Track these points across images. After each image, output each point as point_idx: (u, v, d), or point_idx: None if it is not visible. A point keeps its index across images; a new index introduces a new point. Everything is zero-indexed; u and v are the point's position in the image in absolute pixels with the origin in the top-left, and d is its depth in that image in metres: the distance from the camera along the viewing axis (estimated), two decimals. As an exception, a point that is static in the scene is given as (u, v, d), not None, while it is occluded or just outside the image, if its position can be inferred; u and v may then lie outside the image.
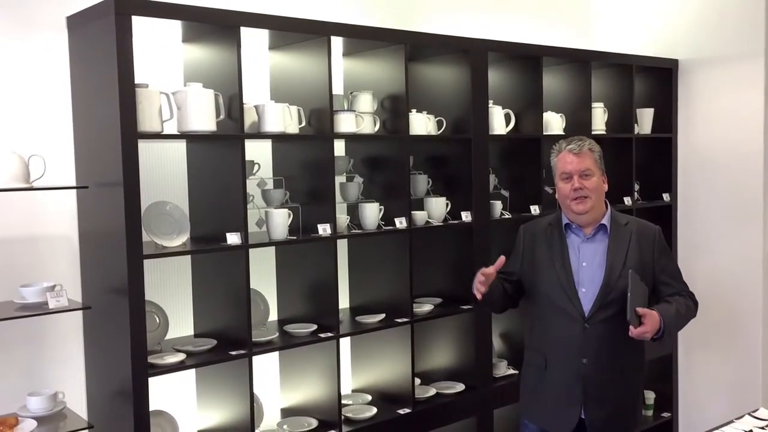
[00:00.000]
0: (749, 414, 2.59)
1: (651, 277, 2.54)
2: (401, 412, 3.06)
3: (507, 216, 3.44)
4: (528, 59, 3.50)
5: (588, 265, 2.53)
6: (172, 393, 2.79)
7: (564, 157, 2.55)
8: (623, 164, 3.94)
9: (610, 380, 2.51)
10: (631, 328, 2.34)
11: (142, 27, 2.46)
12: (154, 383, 2.47)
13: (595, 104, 3.78)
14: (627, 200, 3.91)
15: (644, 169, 4.10)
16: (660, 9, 4.21)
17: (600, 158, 2.58)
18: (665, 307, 2.46)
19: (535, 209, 3.50)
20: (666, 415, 4.20)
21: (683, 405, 4.23)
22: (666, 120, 4.15)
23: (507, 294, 2.66)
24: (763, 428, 2.44)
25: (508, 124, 3.45)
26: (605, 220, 2.57)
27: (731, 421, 2.55)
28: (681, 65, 4.14)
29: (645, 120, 4.08)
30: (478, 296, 2.49)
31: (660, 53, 4.13)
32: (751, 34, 3.86)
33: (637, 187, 4.02)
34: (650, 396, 4.18)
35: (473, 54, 3.23)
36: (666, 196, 4.15)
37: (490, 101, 3.36)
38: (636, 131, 4.00)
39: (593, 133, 3.75)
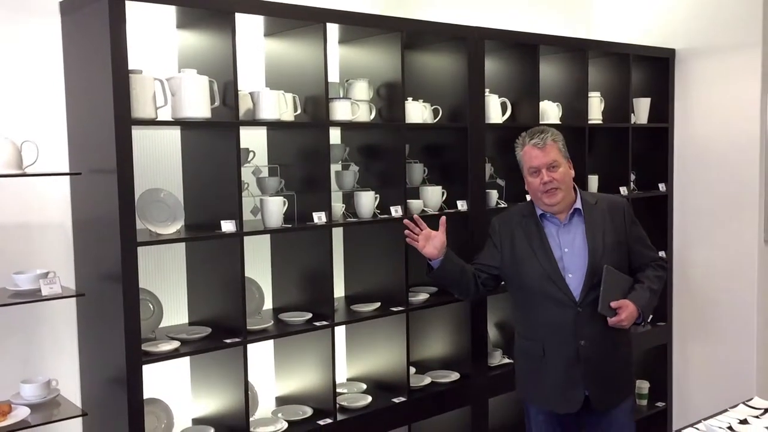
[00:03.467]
0: (743, 403, 2.59)
1: (626, 248, 2.70)
2: (396, 400, 3.06)
3: (503, 205, 3.43)
4: (525, 48, 3.48)
5: (570, 250, 2.64)
6: (166, 381, 2.78)
7: (529, 151, 2.64)
8: (619, 154, 3.94)
9: (607, 356, 2.65)
10: (608, 319, 2.56)
11: (136, 12, 2.43)
12: (149, 371, 2.46)
13: (591, 93, 3.77)
14: (623, 190, 3.90)
15: (640, 159, 4.09)
16: (657, -2, 4.20)
17: (563, 146, 2.67)
18: (639, 293, 2.62)
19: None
20: (660, 404, 4.21)
21: (677, 394, 4.24)
22: (662, 110, 4.14)
23: (467, 278, 2.74)
24: (757, 417, 2.44)
25: (504, 112, 3.44)
26: (578, 204, 2.68)
27: (725, 410, 2.55)
28: (678, 55, 4.13)
29: (641, 110, 4.07)
30: (413, 243, 2.68)
31: (657, 43, 4.11)
32: (748, 24, 3.85)
33: (633, 176, 4.02)
34: (644, 386, 4.19)
35: (470, 42, 3.22)
36: (662, 186, 4.15)
37: (487, 90, 3.34)
38: (632, 121, 4.00)
39: (590, 122, 3.74)
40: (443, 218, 2.71)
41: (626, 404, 2.74)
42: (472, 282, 2.76)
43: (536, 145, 2.62)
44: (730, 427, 2.34)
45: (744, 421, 2.40)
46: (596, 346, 2.62)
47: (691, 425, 2.41)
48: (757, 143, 3.85)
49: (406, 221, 2.70)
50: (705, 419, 2.44)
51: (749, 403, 2.58)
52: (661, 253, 4.15)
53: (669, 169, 4.17)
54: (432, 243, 2.67)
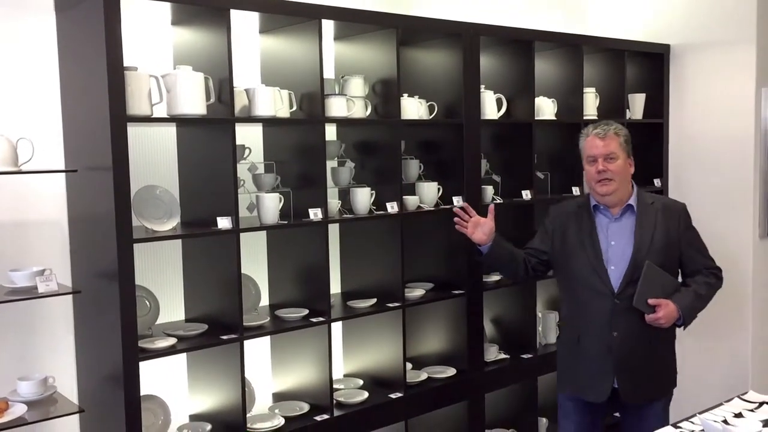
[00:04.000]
0: (738, 396, 2.61)
1: (677, 252, 2.73)
2: (393, 396, 3.07)
3: (498, 201, 3.44)
4: (520, 44, 3.49)
5: (616, 244, 2.71)
6: (163, 377, 2.78)
7: (590, 141, 2.72)
8: (615, 149, 3.94)
9: (640, 351, 2.68)
10: (646, 315, 2.61)
11: (131, 9, 2.43)
12: (145, 368, 2.46)
13: (586, 89, 3.78)
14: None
15: (635, 155, 4.05)
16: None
17: (626, 142, 2.74)
18: (683, 296, 2.67)
19: (526, 194, 3.50)
20: (656, 399, 4.23)
21: (676, 390, 4.24)
22: (657, 105, 4.15)
23: (517, 262, 2.86)
24: (752, 410, 2.45)
25: (499, 108, 3.45)
26: (632, 201, 2.74)
27: (721, 404, 2.56)
28: (673, 50, 4.14)
29: (636, 105, 4.08)
30: (462, 230, 2.79)
31: (652, 38, 4.12)
32: (742, 20, 3.85)
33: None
34: (640, 380, 4.20)
35: (465, 38, 3.22)
36: (657, 182, 4.16)
37: (482, 86, 3.35)
38: (627, 116, 4.00)
39: (585, 118, 3.75)
40: (492, 206, 2.85)
41: (661, 403, 2.76)
42: (522, 266, 2.87)
43: (598, 135, 2.71)
44: (725, 421, 2.34)
45: (739, 415, 2.41)
46: (630, 339, 2.67)
47: (686, 419, 2.42)
48: (751, 138, 3.86)
49: (456, 209, 2.82)
50: (700, 413, 2.45)
51: (744, 397, 2.60)
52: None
53: (664, 164, 4.19)
54: (481, 229, 2.78)
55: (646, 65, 4.16)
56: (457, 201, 3.25)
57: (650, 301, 2.62)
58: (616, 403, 2.78)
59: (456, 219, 2.81)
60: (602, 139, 2.69)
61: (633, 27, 4.22)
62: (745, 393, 2.65)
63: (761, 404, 2.51)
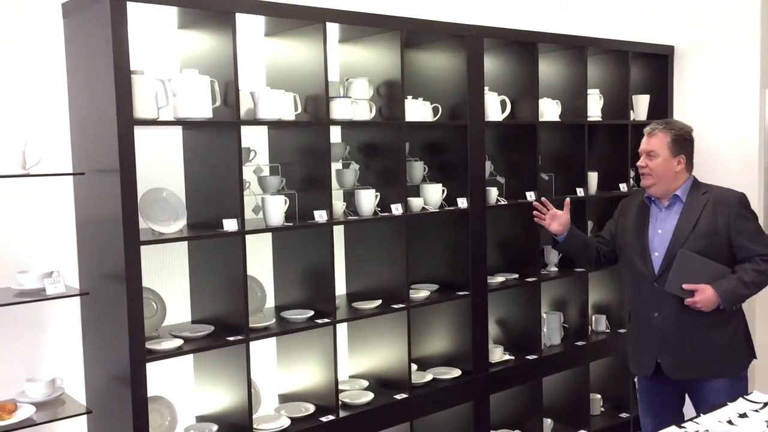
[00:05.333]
0: (743, 397, 2.61)
1: (725, 240, 2.83)
2: (398, 397, 3.08)
3: (503, 202, 3.45)
4: (524, 45, 3.50)
5: (663, 232, 2.90)
6: (170, 379, 2.80)
7: (644, 136, 2.94)
8: (619, 151, 3.95)
9: (682, 331, 2.85)
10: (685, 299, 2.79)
11: (138, 13, 2.45)
12: (152, 369, 2.48)
13: (590, 90, 3.78)
14: (623, 186, 3.92)
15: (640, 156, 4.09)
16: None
17: (677, 142, 2.88)
18: (726, 281, 2.78)
19: (530, 195, 3.50)
20: (661, 400, 4.23)
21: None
22: (661, 106, 4.15)
23: (590, 248, 3.13)
24: (756, 410, 2.46)
25: (503, 110, 3.46)
26: (679, 192, 2.90)
27: (725, 404, 2.57)
28: (677, 52, 4.14)
29: (641, 106, 4.08)
30: (540, 222, 3.11)
31: (656, 40, 4.13)
32: (746, 21, 3.86)
33: (632, 173, 4.03)
34: (645, 381, 4.21)
35: (469, 40, 3.23)
36: (661, 183, 4.16)
37: (486, 88, 3.36)
38: (632, 118, 4.01)
39: (589, 119, 3.76)
40: (567, 200, 3.12)
41: (722, 381, 2.85)
42: (594, 254, 3.15)
43: (647, 132, 2.93)
44: (729, 421, 2.35)
45: (743, 415, 2.41)
46: (671, 319, 2.85)
47: (691, 419, 2.43)
48: (755, 139, 3.86)
49: (535, 203, 3.13)
50: (706, 413, 2.45)
51: (748, 397, 2.60)
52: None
53: (668, 165, 4.18)
54: (557, 221, 3.09)
55: (650, 66, 4.16)
56: (462, 202, 3.26)
57: (684, 286, 2.78)
58: (685, 382, 2.94)
59: (535, 212, 3.12)
60: (649, 135, 2.91)
61: (637, 28, 4.22)
62: (750, 393, 2.65)
63: (765, 404, 2.51)
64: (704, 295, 2.77)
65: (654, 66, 4.15)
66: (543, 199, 3.15)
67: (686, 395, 3.04)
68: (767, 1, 3.85)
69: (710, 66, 4.01)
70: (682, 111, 4.15)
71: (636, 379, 3.16)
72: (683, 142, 2.91)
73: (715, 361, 2.88)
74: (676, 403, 3.04)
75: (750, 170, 3.86)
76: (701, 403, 2.89)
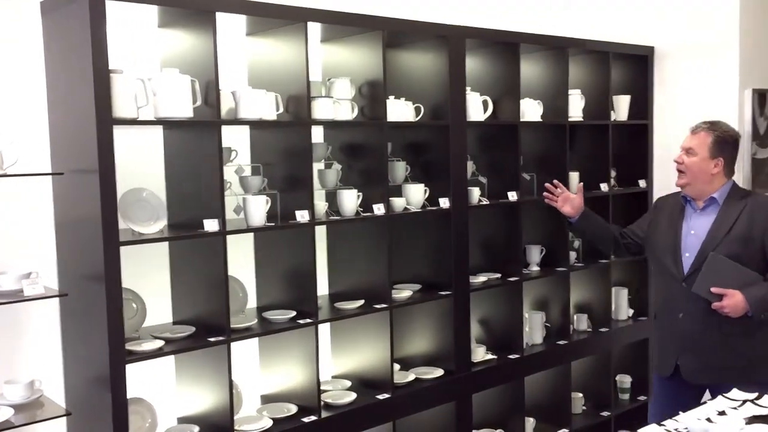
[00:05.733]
0: (722, 395, 2.63)
1: (760, 247, 2.82)
2: (380, 397, 3.08)
3: (485, 202, 3.46)
4: (505, 46, 3.51)
5: (695, 233, 2.90)
6: (150, 380, 2.78)
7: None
8: (600, 151, 3.98)
9: (707, 334, 2.84)
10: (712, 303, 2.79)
11: (117, 12, 2.43)
12: (133, 370, 2.46)
13: (572, 91, 3.80)
14: (604, 186, 3.94)
15: (621, 156, 4.13)
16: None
17: (717, 142, 2.86)
18: (756, 288, 2.76)
19: (512, 195, 3.52)
20: (642, 398, 4.26)
21: None
22: (642, 107, 4.18)
23: (607, 236, 3.26)
24: (735, 408, 2.48)
25: (485, 110, 3.46)
26: (716, 194, 2.89)
27: (704, 402, 2.59)
28: (657, 52, 4.18)
29: (621, 107, 4.11)
30: (551, 203, 3.31)
31: (636, 40, 4.16)
32: (725, 22, 3.90)
33: (613, 173, 4.06)
34: (626, 380, 4.24)
35: (451, 40, 3.24)
36: (642, 183, 4.20)
37: (468, 88, 3.37)
38: (612, 118, 4.03)
39: (570, 119, 3.78)
40: (581, 184, 3.33)
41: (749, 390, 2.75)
42: (612, 241, 3.27)
43: (691, 129, 2.94)
44: (708, 419, 2.37)
45: (722, 413, 2.44)
46: (695, 322, 2.85)
47: (670, 417, 2.44)
48: (734, 139, 3.89)
49: (546, 185, 3.32)
50: (685, 412, 2.47)
51: (728, 395, 2.62)
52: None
53: (649, 165, 4.22)
54: (570, 203, 3.28)
55: (631, 67, 4.19)
56: (444, 202, 3.27)
57: (713, 290, 2.77)
58: (700, 386, 2.92)
59: (545, 194, 3.31)
60: (691, 133, 2.92)
61: (617, 29, 4.25)
62: (729, 391, 2.68)
63: (744, 402, 2.54)
64: (733, 300, 2.75)
65: (634, 67, 4.19)
66: (555, 181, 3.31)
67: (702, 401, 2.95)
68: (746, 2, 3.90)
69: (690, 67, 4.05)
70: (662, 111, 4.18)
71: (654, 377, 3.15)
72: (724, 145, 2.88)
73: (736, 368, 2.85)
74: (690, 407, 2.92)
75: (729, 170, 3.89)
76: None
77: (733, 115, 3.88)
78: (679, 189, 3.02)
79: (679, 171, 2.91)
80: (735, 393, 2.62)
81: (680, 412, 2.80)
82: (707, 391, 2.96)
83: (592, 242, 3.53)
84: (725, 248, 2.81)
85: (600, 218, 3.37)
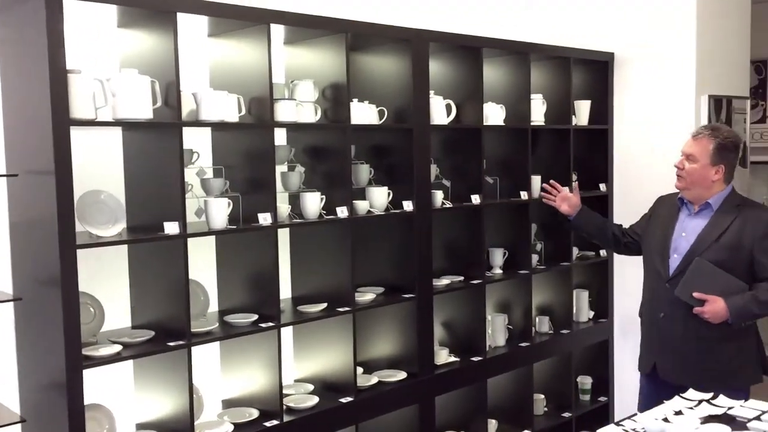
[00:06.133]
0: (679, 395, 2.68)
1: (749, 256, 2.83)
2: (343, 401, 3.07)
3: (448, 205, 3.48)
4: (468, 50, 3.53)
5: (686, 236, 2.94)
6: (108, 386, 2.73)
7: (689, 137, 2.97)
8: (561, 155, 4.03)
9: (685, 337, 2.90)
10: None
11: (75, 11, 2.39)
12: (90, 376, 2.42)
13: (534, 96, 3.84)
14: (565, 190, 3.98)
15: (582, 160, 4.19)
16: (595, 1, 4.30)
17: (718, 149, 2.86)
18: (739, 297, 2.79)
19: (476, 198, 3.54)
20: (603, 399, 4.32)
21: (618, 389, 4.35)
22: (602, 112, 4.24)
23: (607, 233, 3.35)
24: (691, 408, 2.53)
25: (449, 114, 3.48)
26: (712, 200, 2.91)
27: (662, 402, 2.63)
28: (616, 58, 4.25)
29: (582, 112, 4.16)
30: (549, 203, 3.42)
31: (597, 47, 4.22)
32: (682, 30, 3.98)
33: (575, 177, 4.11)
34: (587, 381, 4.29)
35: (414, 44, 3.25)
36: (602, 186, 4.26)
37: (431, 91, 3.38)
38: (573, 122, 4.09)
39: (532, 124, 3.82)
40: (576, 183, 3.55)
41: (725, 394, 2.74)
42: (611, 238, 3.35)
43: (692, 134, 2.96)
44: (665, 419, 2.41)
45: (679, 413, 2.48)
46: (675, 323, 2.91)
47: (628, 417, 2.48)
48: (691, 144, 3.97)
49: (544, 185, 3.46)
50: (644, 412, 2.51)
51: (684, 395, 2.67)
52: (602, 252, 4.26)
53: (609, 169, 4.28)
54: (567, 202, 3.38)
55: (591, 73, 4.25)
56: (407, 205, 3.28)
57: (695, 295, 2.82)
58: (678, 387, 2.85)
59: (543, 194, 3.44)
60: (693, 138, 2.93)
61: (578, 35, 4.31)
62: (686, 391, 2.73)
63: (700, 402, 2.59)
64: (714, 306, 2.79)
65: (595, 72, 4.25)
66: (552, 181, 3.43)
67: None
68: (703, 10, 3.99)
69: (648, 73, 4.13)
70: (621, 116, 4.25)
71: (639, 375, 3.20)
72: (726, 152, 2.88)
73: (712, 373, 2.88)
74: None
75: (686, 174, 3.97)
76: None
77: (689, 121, 3.97)
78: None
79: (679, 176, 2.93)
80: (691, 393, 2.67)
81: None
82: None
83: (590, 237, 3.58)
84: (713, 254, 2.84)
85: (598, 216, 3.48)
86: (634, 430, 2.36)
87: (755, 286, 2.83)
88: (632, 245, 3.28)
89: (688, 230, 2.94)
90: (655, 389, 3.01)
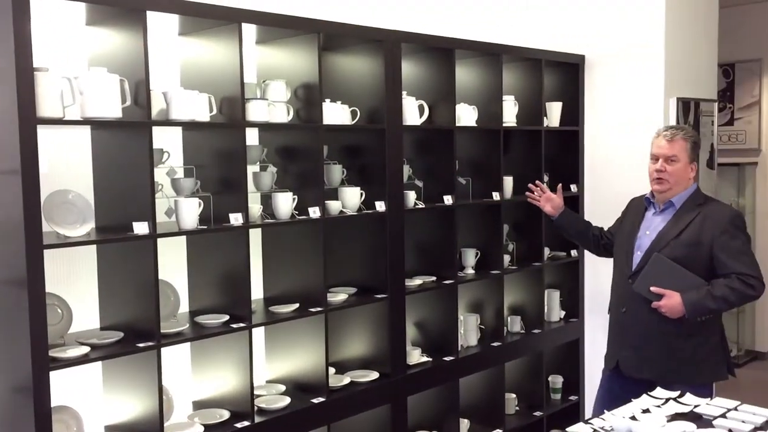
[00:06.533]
0: (647, 393, 2.71)
1: (708, 253, 2.89)
2: (315, 401, 3.06)
3: (421, 206, 3.49)
4: (441, 51, 3.55)
5: (650, 234, 3.02)
6: (77, 388, 2.70)
7: (658, 140, 3.02)
8: (533, 156, 4.06)
9: (645, 331, 2.98)
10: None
11: (43, 8, 2.36)
12: (58, 378, 2.39)
13: (506, 97, 3.87)
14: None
15: (553, 161, 4.23)
16: (567, 5, 4.34)
17: (693, 148, 2.99)
18: (695, 292, 2.86)
19: (448, 199, 3.55)
20: (573, 398, 4.36)
21: (589, 388, 4.39)
22: (573, 113, 4.29)
23: (587, 232, 3.43)
24: (659, 406, 2.56)
25: (421, 115, 3.50)
26: (675, 199, 2.99)
27: (630, 401, 2.66)
28: (587, 61, 4.29)
29: (553, 113, 4.20)
30: (534, 203, 3.50)
31: (568, 49, 4.26)
32: (651, 33, 4.04)
33: (546, 178, 4.14)
34: (558, 380, 4.33)
35: (387, 45, 3.25)
36: (573, 187, 4.30)
37: (404, 92, 3.39)
38: (545, 124, 4.12)
39: (504, 125, 3.84)
40: (560, 186, 3.54)
41: (687, 390, 2.74)
42: (591, 240, 3.43)
43: (665, 137, 2.99)
44: (633, 417, 2.44)
45: (646, 411, 2.51)
46: (637, 319, 2.99)
47: (597, 416, 2.51)
48: (660, 146, 4.03)
49: (530, 185, 3.52)
50: (611, 410, 2.54)
51: (652, 394, 2.71)
52: (573, 252, 4.30)
53: (580, 171, 4.33)
54: (551, 203, 3.46)
55: (563, 75, 4.30)
56: (380, 206, 3.28)
57: (652, 289, 2.89)
58: (646, 383, 2.86)
59: (528, 194, 3.51)
60: (669, 141, 2.96)
61: (550, 38, 4.35)
62: (654, 390, 2.76)
63: (667, 400, 2.62)
64: (670, 301, 2.86)
65: (566, 74, 4.29)
66: (537, 182, 3.52)
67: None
68: (672, 15, 4.05)
69: (618, 75, 4.18)
70: (592, 118, 4.30)
71: (602, 370, 3.26)
72: (697, 149, 3.01)
73: (673, 368, 2.94)
74: (627, 401, 2.95)
75: (655, 176, 4.02)
76: None
77: (658, 123, 4.02)
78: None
79: (661, 179, 2.95)
80: (659, 392, 2.70)
81: (616, 405, 2.87)
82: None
83: (572, 238, 3.67)
84: (672, 251, 2.91)
85: (580, 217, 3.63)
86: (602, 428, 2.38)
87: (712, 282, 2.88)
88: (609, 246, 3.36)
89: (651, 228, 3.03)
90: (618, 385, 3.07)
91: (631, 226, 3.12)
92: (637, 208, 3.17)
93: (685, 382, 2.85)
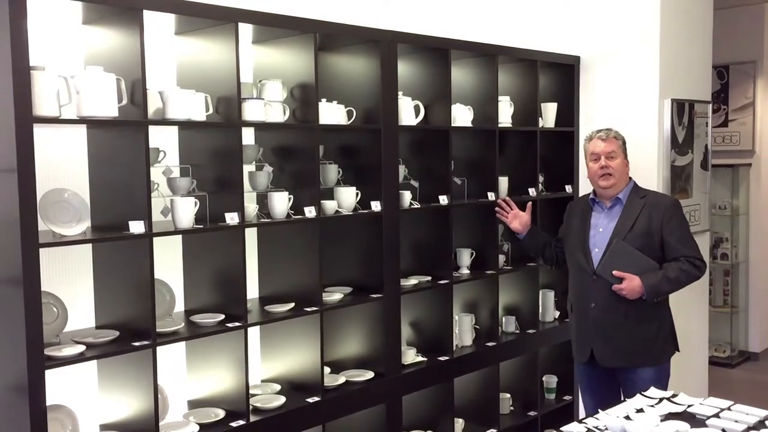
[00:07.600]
0: (640, 393, 2.73)
1: (658, 240, 3.16)
2: (310, 400, 3.07)
3: (416, 206, 3.50)
4: (437, 51, 3.56)
5: (603, 230, 3.25)
6: (72, 386, 2.70)
7: (594, 142, 3.28)
8: (528, 156, 4.07)
9: (615, 322, 3.18)
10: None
11: (39, 7, 2.36)
12: (53, 377, 2.38)
13: (501, 97, 3.88)
14: (531, 191, 4.04)
15: (548, 162, 4.24)
16: (562, 6, 4.36)
17: (624, 146, 3.29)
18: (652, 275, 3.10)
19: (443, 199, 3.56)
20: (567, 398, 4.38)
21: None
22: (568, 114, 4.30)
23: (549, 248, 3.57)
24: (652, 406, 2.58)
25: (417, 115, 3.50)
26: (621, 195, 3.24)
27: (624, 400, 2.68)
28: (582, 62, 4.31)
29: (549, 114, 4.21)
30: (503, 219, 3.63)
31: (563, 50, 4.27)
32: (646, 34, 4.06)
33: (541, 178, 4.16)
34: (552, 380, 4.34)
35: (382, 45, 3.26)
36: (568, 188, 4.31)
37: (400, 92, 3.39)
38: (540, 125, 4.13)
39: (500, 125, 3.85)
40: (529, 203, 3.65)
41: (650, 370, 3.18)
42: (554, 256, 3.57)
43: (600, 137, 3.26)
44: (627, 417, 2.46)
45: (640, 410, 2.53)
46: (605, 310, 3.18)
47: (591, 415, 2.52)
48: (655, 146, 4.06)
49: (499, 200, 3.64)
50: (606, 410, 2.56)
51: (646, 394, 2.72)
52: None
53: (575, 171, 4.34)
54: (518, 220, 3.57)
55: (558, 75, 4.31)
56: (375, 206, 3.29)
57: (615, 273, 3.11)
58: (620, 370, 3.25)
59: (497, 209, 3.61)
60: (604, 140, 3.24)
61: (545, 39, 4.36)
62: (647, 390, 2.78)
63: (661, 400, 2.64)
64: (630, 284, 3.09)
65: (561, 75, 4.30)
66: (506, 198, 3.64)
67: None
68: (667, 16, 4.06)
69: (613, 76, 4.19)
70: (587, 118, 4.31)
71: (575, 365, 3.49)
72: (626, 147, 3.30)
73: (640, 351, 3.19)
74: (611, 384, 3.32)
75: (649, 176, 4.04)
76: (629, 389, 3.19)
77: (652, 124, 4.04)
78: (587, 192, 3.39)
79: (607, 174, 3.20)
80: (653, 391, 2.73)
81: (602, 394, 3.24)
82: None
83: (536, 256, 3.81)
84: (630, 241, 3.15)
85: (545, 236, 3.66)
86: (596, 428, 2.40)
87: (664, 265, 3.15)
88: (560, 254, 3.53)
89: (603, 225, 3.25)
90: (593, 372, 3.33)
91: (580, 227, 3.30)
92: (581, 210, 3.36)
93: (651, 365, 3.19)
